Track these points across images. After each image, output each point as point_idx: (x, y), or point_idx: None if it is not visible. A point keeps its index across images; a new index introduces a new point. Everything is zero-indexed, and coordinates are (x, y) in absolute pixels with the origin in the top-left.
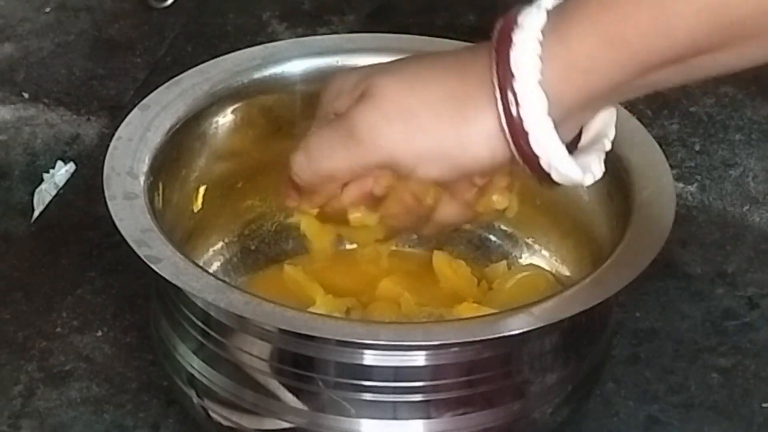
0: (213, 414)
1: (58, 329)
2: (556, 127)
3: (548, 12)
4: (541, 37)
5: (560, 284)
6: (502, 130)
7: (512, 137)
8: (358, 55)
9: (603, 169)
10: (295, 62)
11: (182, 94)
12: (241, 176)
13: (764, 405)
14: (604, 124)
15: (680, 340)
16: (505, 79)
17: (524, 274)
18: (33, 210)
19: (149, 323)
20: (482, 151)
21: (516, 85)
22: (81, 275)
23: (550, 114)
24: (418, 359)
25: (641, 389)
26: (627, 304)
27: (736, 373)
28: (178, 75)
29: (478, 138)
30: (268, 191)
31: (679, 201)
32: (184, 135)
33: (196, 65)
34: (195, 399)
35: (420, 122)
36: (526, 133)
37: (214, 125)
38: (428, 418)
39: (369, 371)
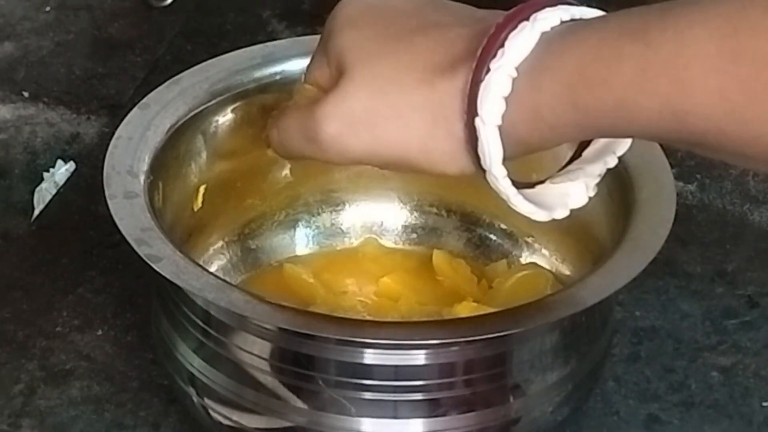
0: (213, 413)
1: (59, 328)
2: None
3: (536, 43)
4: (515, 74)
5: (560, 283)
6: (466, 151)
7: (474, 163)
8: None
9: (587, 196)
10: (294, 61)
11: (182, 93)
12: (241, 175)
13: (764, 404)
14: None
15: (680, 338)
16: (470, 110)
17: (524, 272)
18: (33, 209)
19: (149, 322)
20: (448, 164)
21: (478, 123)
22: (81, 274)
23: (504, 163)
24: (419, 358)
25: (641, 388)
26: (627, 303)
27: (737, 371)
28: (178, 74)
29: (443, 154)
30: (269, 190)
31: (679, 200)
32: (184, 134)
33: (196, 64)
34: (195, 398)
35: (387, 133)
36: (483, 169)
37: (214, 124)
38: (429, 416)
39: (369, 370)
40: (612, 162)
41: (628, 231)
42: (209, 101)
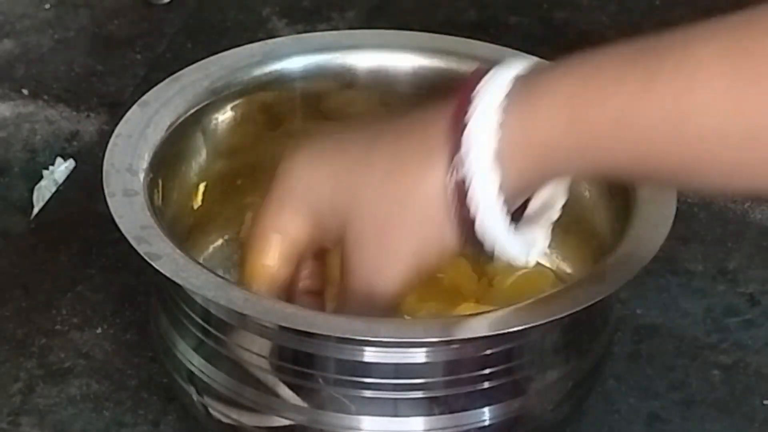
0: (213, 411)
1: (58, 326)
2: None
3: (513, 81)
4: (500, 113)
5: (561, 281)
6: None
7: (458, 218)
8: (357, 51)
9: (548, 242)
10: (295, 59)
11: (182, 90)
12: (241, 173)
13: (765, 402)
14: (554, 192)
15: (681, 336)
16: (456, 150)
17: (525, 271)
18: (32, 207)
19: (149, 320)
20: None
21: (467, 164)
22: (80, 272)
23: (501, 193)
24: (419, 356)
25: (642, 386)
26: (628, 301)
27: (737, 370)
28: (177, 71)
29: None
30: (268, 188)
31: (680, 197)
32: (184, 132)
33: (196, 62)
34: (195, 396)
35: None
36: (472, 219)
37: (213, 122)
38: (429, 415)
39: (369, 368)
40: (555, 216)
41: (629, 229)
42: (209, 99)
